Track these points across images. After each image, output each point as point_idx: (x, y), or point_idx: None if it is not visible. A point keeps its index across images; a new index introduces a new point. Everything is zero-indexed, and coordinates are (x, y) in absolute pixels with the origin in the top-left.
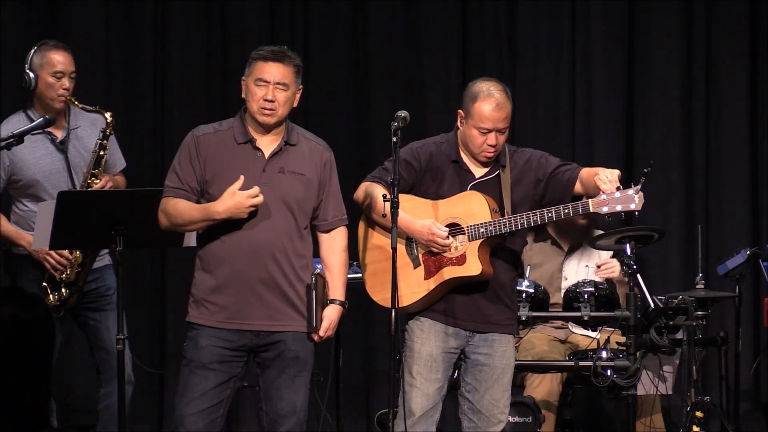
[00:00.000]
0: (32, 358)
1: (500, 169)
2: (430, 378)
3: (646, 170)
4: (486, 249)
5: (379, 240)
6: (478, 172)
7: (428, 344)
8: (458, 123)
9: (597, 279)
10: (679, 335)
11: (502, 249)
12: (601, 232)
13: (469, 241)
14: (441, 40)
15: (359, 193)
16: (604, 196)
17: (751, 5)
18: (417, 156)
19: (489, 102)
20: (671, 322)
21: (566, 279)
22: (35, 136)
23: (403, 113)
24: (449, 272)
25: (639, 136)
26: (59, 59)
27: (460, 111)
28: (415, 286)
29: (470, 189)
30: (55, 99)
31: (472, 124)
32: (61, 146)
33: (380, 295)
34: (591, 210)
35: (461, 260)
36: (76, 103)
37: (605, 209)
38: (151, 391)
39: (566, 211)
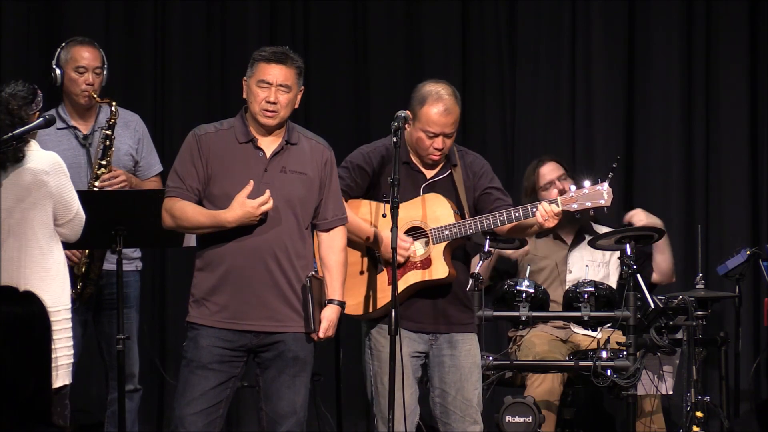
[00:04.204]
0: (29, 353)
1: (452, 169)
2: (401, 387)
3: (614, 165)
4: (449, 251)
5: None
6: (430, 172)
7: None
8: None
9: (597, 279)
10: (679, 335)
11: (459, 250)
12: (602, 229)
13: (433, 244)
14: (441, 40)
15: None
16: (572, 194)
17: (751, 5)
18: (369, 160)
19: (437, 106)
20: (671, 322)
21: (570, 272)
22: (60, 130)
23: (403, 113)
24: (414, 276)
25: (639, 135)
26: (83, 54)
27: (407, 112)
28: (379, 292)
29: (423, 189)
30: (79, 94)
31: (419, 126)
32: (84, 141)
33: (348, 302)
34: (560, 208)
35: (426, 264)
36: (95, 97)
37: (575, 206)
38: (152, 392)
39: (534, 209)
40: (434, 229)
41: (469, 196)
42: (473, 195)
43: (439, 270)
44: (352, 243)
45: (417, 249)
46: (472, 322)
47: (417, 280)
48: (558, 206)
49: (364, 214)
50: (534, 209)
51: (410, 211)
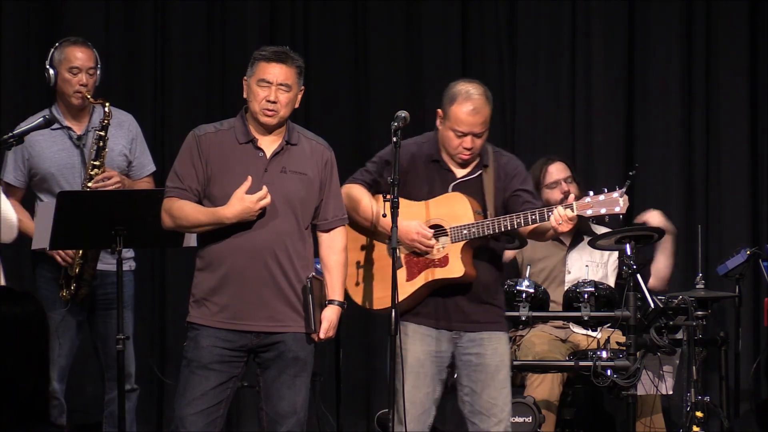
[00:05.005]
0: (27, 352)
1: (483, 170)
2: (417, 385)
3: (631, 173)
4: (468, 251)
5: (361, 242)
6: (460, 171)
7: (414, 350)
8: (437, 122)
9: (597, 279)
10: (679, 335)
11: (484, 250)
12: (600, 229)
13: (452, 242)
14: (441, 40)
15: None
16: (588, 199)
17: (751, 5)
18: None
19: (466, 106)
20: (671, 322)
21: (569, 273)
22: (55, 131)
23: (403, 113)
24: (432, 274)
25: (639, 136)
26: (77, 55)
27: (438, 110)
28: (398, 288)
29: (452, 189)
30: (72, 95)
31: (448, 125)
32: (78, 142)
33: (359, 298)
34: (575, 212)
35: (444, 262)
36: (89, 97)
37: (590, 212)
38: (151, 392)
39: (550, 213)
40: (454, 227)
41: (498, 197)
42: (503, 196)
43: (456, 268)
44: (376, 237)
45: (439, 246)
46: (499, 321)
47: (433, 278)
48: (573, 211)
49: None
50: (550, 213)
51: (433, 209)
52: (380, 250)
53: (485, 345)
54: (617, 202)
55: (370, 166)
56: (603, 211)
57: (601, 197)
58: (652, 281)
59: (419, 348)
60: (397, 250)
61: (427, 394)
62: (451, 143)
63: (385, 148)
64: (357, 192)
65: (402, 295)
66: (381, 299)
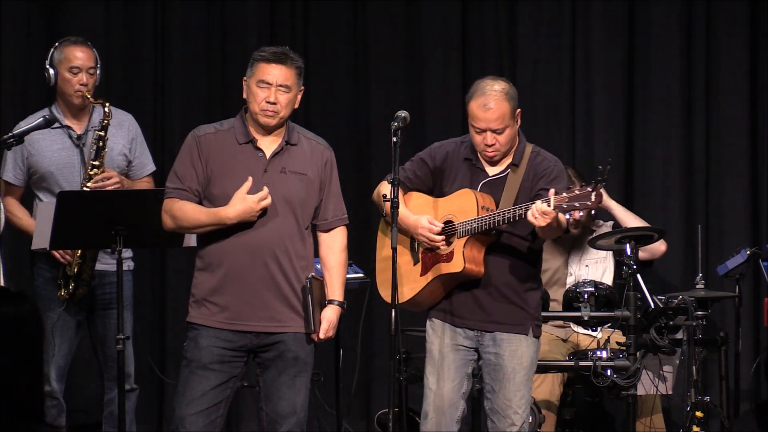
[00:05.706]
0: (21, 352)
1: (511, 168)
2: (441, 378)
3: (599, 167)
4: (475, 246)
5: (389, 239)
6: (493, 170)
7: (437, 344)
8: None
9: (597, 276)
10: (679, 335)
11: (506, 247)
12: (601, 230)
13: (458, 238)
14: (441, 40)
15: (374, 192)
16: (564, 194)
17: (752, 5)
18: (433, 155)
19: (479, 101)
20: (671, 322)
21: (571, 275)
22: (54, 129)
23: (403, 113)
24: (440, 269)
25: (639, 135)
26: (77, 55)
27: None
28: (413, 282)
29: (481, 186)
30: (72, 95)
31: (469, 122)
32: (78, 141)
33: (387, 292)
34: (552, 205)
35: (449, 257)
36: (89, 97)
37: (565, 206)
38: (151, 392)
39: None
40: (460, 223)
41: (524, 196)
42: (530, 195)
43: (457, 263)
44: (404, 233)
45: (445, 242)
46: (522, 324)
47: (440, 273)
48: (549, 206)
49: (413, 206)
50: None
51: (448, 205)
52: (404, 246)
53: (503, 346)
54: (589, 196)
55: (407, 165)
56: (576, 204)
57: (576, 191)
58: (642, 254)
59: (441, 342)
60: (416, 247)
61: (453, 387)
62: (474, 140)
63: (427, 148)
64: (385, 190)
65: (415, 290)
66: (404, 292)
